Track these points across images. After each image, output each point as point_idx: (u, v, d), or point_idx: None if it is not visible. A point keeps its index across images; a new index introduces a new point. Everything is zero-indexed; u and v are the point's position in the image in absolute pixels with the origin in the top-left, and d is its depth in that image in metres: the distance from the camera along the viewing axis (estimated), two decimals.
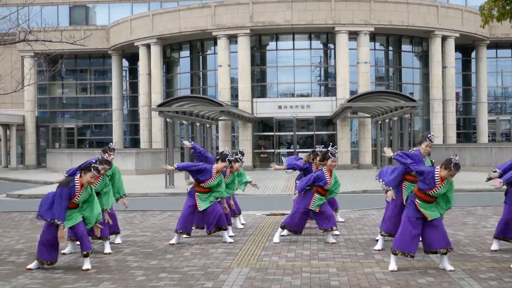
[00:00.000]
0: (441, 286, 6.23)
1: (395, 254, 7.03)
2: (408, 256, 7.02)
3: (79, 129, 42.68)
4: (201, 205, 9.12)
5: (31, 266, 7.39)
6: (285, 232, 9.39)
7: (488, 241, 8.91)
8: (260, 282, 6.51)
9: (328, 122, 33.97)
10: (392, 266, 7.02)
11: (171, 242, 9.06)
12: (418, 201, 7.10)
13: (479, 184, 18.73)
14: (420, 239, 7.30)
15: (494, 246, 8.18)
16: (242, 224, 10.86)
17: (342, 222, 11.04)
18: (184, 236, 9.30)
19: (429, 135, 8.46)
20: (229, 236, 9.32)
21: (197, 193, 9.16)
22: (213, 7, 32.72)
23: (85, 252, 7.28)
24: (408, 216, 7.12)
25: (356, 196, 17.67)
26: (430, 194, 7.04)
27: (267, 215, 12.46)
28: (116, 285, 6.48)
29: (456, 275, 6.70)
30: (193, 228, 9.53)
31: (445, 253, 6.98)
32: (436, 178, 6.98)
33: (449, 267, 6.94)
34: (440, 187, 6.98)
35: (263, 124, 34.56)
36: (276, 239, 9.06)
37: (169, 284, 6.47)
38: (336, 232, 9.61)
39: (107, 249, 8.40)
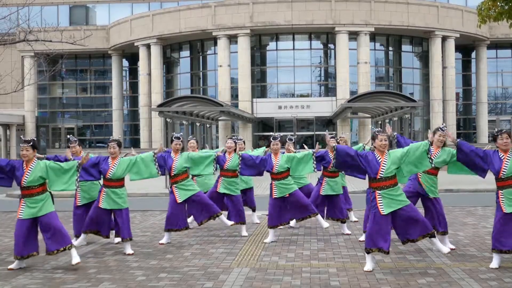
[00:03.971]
0: (441, 286, 6.22)
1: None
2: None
3: (79, 129, 42.70)
4: (180, 196, 9.00)
5: (12, 266, 7.44)
6: (293, 223, 9.62)
7: (487, 241, 8.91)
8: (260, 282, 6.50)
9: (328, 122, 33.99)
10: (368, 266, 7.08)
11: (161, 241, 9.11)
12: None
13: (479, 184, 18.71)
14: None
15: None
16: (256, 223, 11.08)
17: (355, 221, 11.18)
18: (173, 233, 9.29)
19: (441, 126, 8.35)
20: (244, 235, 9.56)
21: (175, 185, 9.10)
22: (213, 7, 32.74)
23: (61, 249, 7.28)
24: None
25: (356, 196, 17.61)
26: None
27: (267, 215, 12.45)
28: (116, 285, 6.47)
29: (456, 275, 6.69)
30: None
31: (432, 236, 7.10)
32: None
33: (444, 248, 7.12)
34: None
35: (263, 124, 34.58)
36: (269, 239, 9.10)
37: (169, 284, 6.47)
38: (347, 231, 9.72)
39: (128, 250, 8.34)
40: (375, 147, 7.24)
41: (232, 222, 9.30)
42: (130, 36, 36.01)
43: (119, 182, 8.35)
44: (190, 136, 10.63)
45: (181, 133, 9.69)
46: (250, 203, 11.06)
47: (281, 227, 9.46)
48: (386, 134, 7.28)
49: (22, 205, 7.36)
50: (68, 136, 9.73)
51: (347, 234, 9.72)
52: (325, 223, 9.33)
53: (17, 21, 15.34)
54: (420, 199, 8.28)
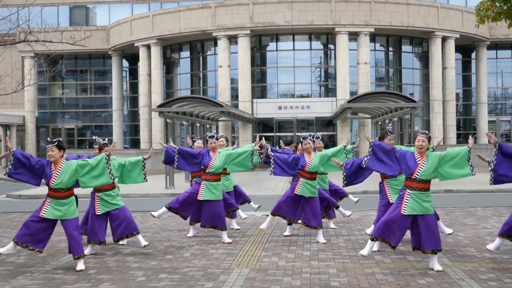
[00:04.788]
0: (441, 287, 6.23)
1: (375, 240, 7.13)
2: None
3: (79, 130, 42.70)
4: (203, 195, 9.11)
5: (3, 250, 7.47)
6: (288, 231, 9.55)
7: (488, 241, 8.91)
8: (260, 282, 6.51)
9: (328, 123, 33.99)
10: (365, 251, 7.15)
11: (154, 214, 9.40)
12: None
13: (479, 184, 18.72)
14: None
15: None
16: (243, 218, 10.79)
17: (349, 216, 11.21)
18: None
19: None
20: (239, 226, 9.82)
21: (204, 181, 9.19)
22: (213, 8, 32.74)
23: (76, 256, 7.26)
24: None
25: (356, 197, 17.63)
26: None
27: (267, 215, 12.45)
28: (116, 285, 6.47)
29: (456, 275, 6.70)
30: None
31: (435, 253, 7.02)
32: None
33: (437, 266, 6.98)
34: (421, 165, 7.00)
35: (263, 125, 34.58)
36: (264, 226, 9.34)
37: (169, 284, 6.47)
38: (323, 240, 9.00)
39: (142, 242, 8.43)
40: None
41: (230, 240, 9.11)
42: (130, 37, 36.02)
43: (110, 184, 8.11)
44: (220, 135, 10.50)
45: (214, 132, 9.79)
46: (243, 197, 11.03)
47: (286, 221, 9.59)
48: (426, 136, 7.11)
49: (47, 204, 7.35)
50: (96, 138, 8.97)
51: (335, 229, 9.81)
52: (322, 239, 9.01)
53: (17, 21, 15.36)
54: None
